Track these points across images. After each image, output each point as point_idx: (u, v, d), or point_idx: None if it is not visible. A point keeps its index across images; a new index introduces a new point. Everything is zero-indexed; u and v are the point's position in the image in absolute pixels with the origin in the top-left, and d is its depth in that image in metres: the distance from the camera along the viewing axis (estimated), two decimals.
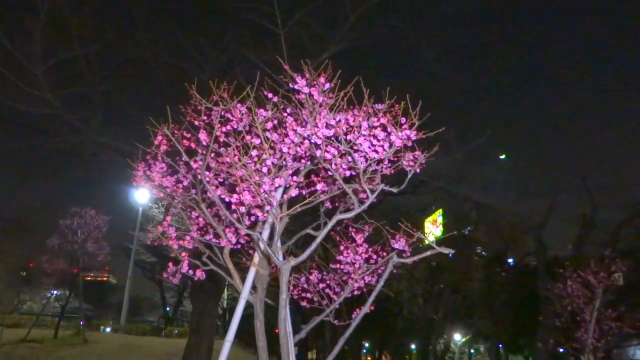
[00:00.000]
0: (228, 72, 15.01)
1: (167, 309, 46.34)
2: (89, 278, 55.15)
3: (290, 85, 4.38)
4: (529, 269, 31.89)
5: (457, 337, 44.59)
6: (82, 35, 13.01)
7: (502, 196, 30.87)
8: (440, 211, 43.00)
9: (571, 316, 13.02)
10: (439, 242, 4.50)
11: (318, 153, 4.24)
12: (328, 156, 4.24)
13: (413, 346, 50.98)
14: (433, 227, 43.28)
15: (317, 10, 14.69)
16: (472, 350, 53.96)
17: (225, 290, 38.12)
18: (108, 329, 37.67)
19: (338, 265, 5.81)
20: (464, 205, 32.22)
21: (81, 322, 25.74)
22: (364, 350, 52.68)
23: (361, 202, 4.55)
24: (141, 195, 27.18)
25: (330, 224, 4.50)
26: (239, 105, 4.62)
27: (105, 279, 72.98)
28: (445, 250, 4.28)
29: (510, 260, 36.70)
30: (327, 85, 4.31)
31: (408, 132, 4.10)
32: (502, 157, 36.73)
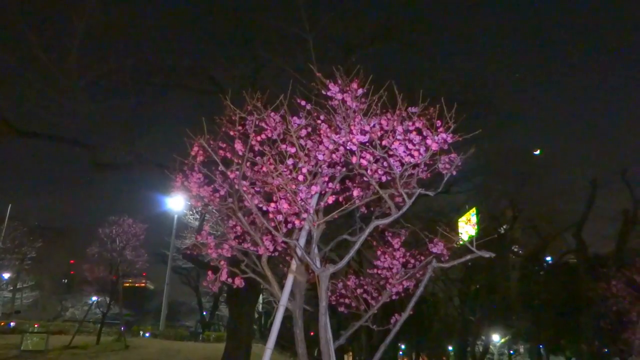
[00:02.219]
0: (257, 80, 15.15)
1: (204, 313, 46.96)
2: (127, 284, 56.41)
3: (323, 92, 4.38)
4: (568, 267, 31.03)
5: (496, 338, 43.72)
6: (117, 50, 13.40)
7: (539, 192, 30.25)
8: (474, 210, 42.24)
9: (617, 317, 12.53)
10: (474, 242, 4.40)
11: (354, 160, 4.21)
12: (364, 162, 4.20)
13: (450, 348, 50.24)
14: (467, 227, 42.51)
15: (344, 14, 14.71)
16: (511, 351, 52.81)
17: (261, 294, 38.40)
18: (147, 334, 38.42)
19: (375, 270, 5.78)
20: (499, 203, 31.65)
21: (122, 328, 26.35)
22: (401, 353, 52.17)
23: (398, 206, 4.50)
24: (176, 203, 27.65)
25: (367, 230, 4.46)
26: (272, 113, 4.64)
27: (143, 284, 74.56)
28: (486, 254, 4.20)
29: (548, 259, 35.81)
30: (360, 91, 4.29)
31: (444, 135, 4.04)
32: (537, 152, 35.91)
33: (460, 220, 43.59)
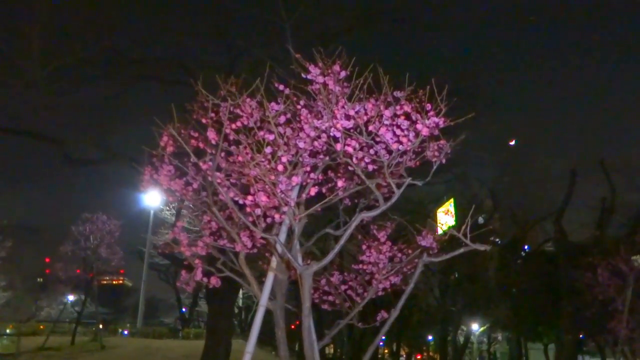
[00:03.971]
0: (233, 69, 14.69)
1: (183, 310, 46.34)
2: (104, 282, 55.52)
3: (303, 75, 4.04)
4: (546, 255, 31.31)
5: (475, 327, 44.20)
6: (83, 39, 12.74)
7: (517, 181, 30.47)
8: (452, 200, 42.62)
9: (602, 306, 12.44)
10: (468, 234, 4.12)
11: (338, 147, 3.87)
12: (349, 150, 3.87)
13: (430, 338, 50.63)
14: (446, 217, 42.94)
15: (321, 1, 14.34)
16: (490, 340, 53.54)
17: (241, 289, 38.00)
18: (125, 332, 37.74)
19: (360, 266, 5.48)
20: (479, 193, 31.81)
21: (99, 327, 25.71)
22: (381, 344, 52.40)
23: (385, 197, 4.19)
24: (152, 199, 26.97)
25: (353, 223, 4.13)
26: (248, 99, 4.27)
27: (120, 281, 73.49)
28: (481, 247, 3.93)
29: (526, 247, 36.15)
30: (343, 74, 3.96)
31: (435, 119, 3.72)
32: (512, 142, 36.12)
33: (439, 211, 43.94)
